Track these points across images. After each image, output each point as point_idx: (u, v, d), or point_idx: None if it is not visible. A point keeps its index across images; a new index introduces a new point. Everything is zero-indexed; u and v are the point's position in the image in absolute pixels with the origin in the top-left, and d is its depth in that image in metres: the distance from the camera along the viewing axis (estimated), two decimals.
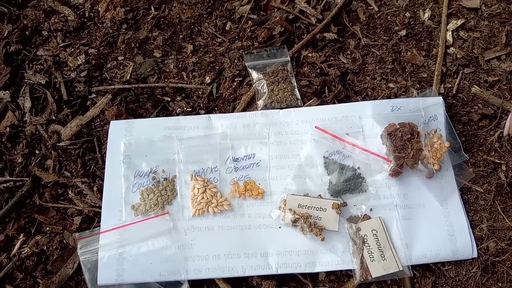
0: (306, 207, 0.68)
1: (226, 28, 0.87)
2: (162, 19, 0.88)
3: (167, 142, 0.74)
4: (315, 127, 0.73)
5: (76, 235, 0.68)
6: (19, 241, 0.71)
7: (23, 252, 0.70)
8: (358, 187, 0.70)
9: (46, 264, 0.69)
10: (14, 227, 0.72)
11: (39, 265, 0.69)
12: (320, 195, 0.69)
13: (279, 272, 0.66)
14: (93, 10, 0.90)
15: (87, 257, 0.66)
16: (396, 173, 0.69)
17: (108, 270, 0.65)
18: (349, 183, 0.70)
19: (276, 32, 0.84)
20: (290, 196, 0.69)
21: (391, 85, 0.80)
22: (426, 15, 0.87)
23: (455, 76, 0.81)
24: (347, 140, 0.72)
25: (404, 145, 0.69)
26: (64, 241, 0.71)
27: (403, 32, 0.85)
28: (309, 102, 0.78)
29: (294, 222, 0.67)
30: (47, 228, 0.72)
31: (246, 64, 0.81)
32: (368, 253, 0.66)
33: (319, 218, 0.67)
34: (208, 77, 0.82)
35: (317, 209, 0.68)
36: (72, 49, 0.87)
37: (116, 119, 0.77)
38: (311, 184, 0.71)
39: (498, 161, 0.73)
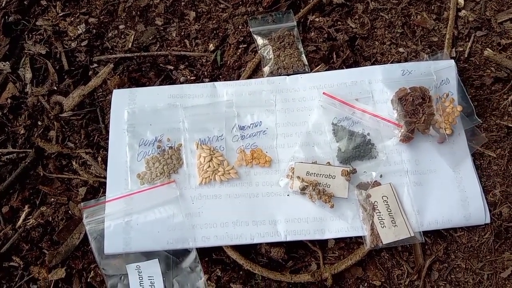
0: (315, 174, 0.66)
1: None
2: None
3: (172, 111, 0.72)
4: (323, 93, 0.71)
5: (82, 204, 0.67)
6: (24, 213, 0.70)
7: (28, 224, 0.69)
8: (368, 153, 0.68)
9: (52, 235, 0.68)
10: (18, 198, 0.71)
11: (45, 236, 0.68)
12: (328, 162, 0.68)
13: (288, 239, 0.65)
14: None
15: (93, 227, 0.65)
16: (407, 138, 0.67)
17: (115, 239, 0.64)
18: (359, 149, 0.68)
19: None
20: (298, 164, 0.67)
21: (401, 49, 0.78)
22: None
23: (467, 40, 0.78)
24: (357, 106, 0.70)
25: (415, 109, 0.67)
26: (69, 211, 0.70)
27: None
28: (316, 68, 0.76)
29: (303, 189, 0.65)
30: (52, 199, 0.71)
31: (251, 30, 0.79)
32: (379, 219, 0.64)
33: (328, 186, 0.66)
34: (211, 45, 0.80)
35: (326, 176, 0.66)
36: (72, 19, 0.84)
37: (118, 88, 0.75)
38: (319, 152, 0.69)
39: None
